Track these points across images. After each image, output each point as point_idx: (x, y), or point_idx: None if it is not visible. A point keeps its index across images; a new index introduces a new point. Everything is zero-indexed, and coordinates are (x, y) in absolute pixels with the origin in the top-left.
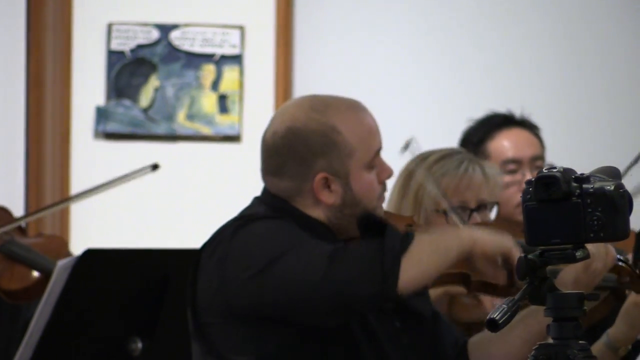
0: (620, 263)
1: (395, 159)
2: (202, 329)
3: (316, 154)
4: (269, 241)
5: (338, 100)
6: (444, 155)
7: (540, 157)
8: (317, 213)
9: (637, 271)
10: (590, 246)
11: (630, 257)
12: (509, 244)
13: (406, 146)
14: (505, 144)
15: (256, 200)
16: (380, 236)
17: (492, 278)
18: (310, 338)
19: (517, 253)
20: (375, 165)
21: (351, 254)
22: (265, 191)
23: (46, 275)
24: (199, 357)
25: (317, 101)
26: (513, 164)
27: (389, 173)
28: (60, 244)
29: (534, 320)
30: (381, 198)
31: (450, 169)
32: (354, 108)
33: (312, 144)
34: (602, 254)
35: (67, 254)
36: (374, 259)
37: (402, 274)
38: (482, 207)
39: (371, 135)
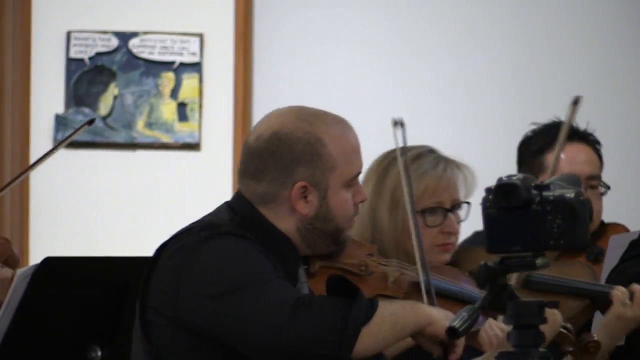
0: (563, 330)
1: None
2: (147, 328)
3: (299, 162)
4: (235, 265)
5: (327, 114)
6: (420, 155)
7: (597, 177)
8: (287, 223)
9: (579, 341)
10: None
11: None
12: None
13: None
14: (564, 158)
15: (225, 205)
16: (346, 296)
17: (427, 349)
18: None
19: (460, 343)
20: (353, 185)
21: (315, 309)
22: (237, 196)
23: None
24: (140, 357)
25: (306, 111)
26: None
27: (363, 197)
28: (3, 247)
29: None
30: (352, 220)
31: (428, 169)
32: (341, 124)
33: (296, 151)
34: (548, 319)
35: (11, 255)
36: (336, 322)
37: (358, 343)
38: (456, 206)
39: (354, 154)
